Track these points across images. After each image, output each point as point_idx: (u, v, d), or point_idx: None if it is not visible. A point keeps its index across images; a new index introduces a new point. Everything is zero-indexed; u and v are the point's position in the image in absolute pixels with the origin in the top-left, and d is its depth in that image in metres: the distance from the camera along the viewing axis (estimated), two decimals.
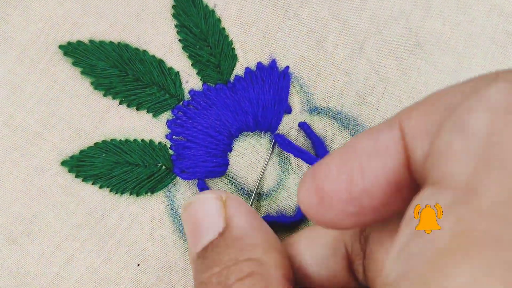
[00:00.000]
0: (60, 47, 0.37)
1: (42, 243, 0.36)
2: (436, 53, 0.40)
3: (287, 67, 0.39)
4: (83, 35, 0.38)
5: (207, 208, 0.30)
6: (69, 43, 0.37)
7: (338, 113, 0.39)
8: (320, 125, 0.39)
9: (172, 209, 0.37)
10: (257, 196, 0.38)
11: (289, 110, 0.38)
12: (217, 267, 0.28)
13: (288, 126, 0.39)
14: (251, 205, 0.37)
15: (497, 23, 0.40)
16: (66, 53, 0.37)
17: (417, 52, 0.40)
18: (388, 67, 0.40)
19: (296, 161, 0.38)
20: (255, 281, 0.27)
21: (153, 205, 0.37)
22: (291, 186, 0.38)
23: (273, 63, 0.39)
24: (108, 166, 0.36)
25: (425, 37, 0.40)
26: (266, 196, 0.38)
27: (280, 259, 0.29)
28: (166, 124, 0.37)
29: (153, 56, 0.38)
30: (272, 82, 0.38)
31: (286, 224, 0.37)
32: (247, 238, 0.29)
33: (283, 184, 0.38)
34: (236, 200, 0.31)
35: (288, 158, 0.38)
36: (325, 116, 0.39)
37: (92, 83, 0.37)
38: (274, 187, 0.38)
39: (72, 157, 0.36)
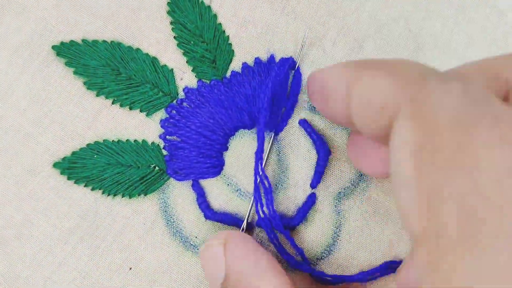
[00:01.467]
0: (53, 47, 0.37)
1: (33, 247, 0.35)
2: (436, 55, 0.39)
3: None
4: (77, 35, 0.37)
5: (212, 255, 0.31)
6: (62, 43, 0.37)
7: None
8: (320, 123, 0.37)
9: (165, 211, 0.36)
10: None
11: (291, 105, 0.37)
12: None
13: (288, 123, 0.37)
14: (248, 216, 0.35)
15: (497, 25, 0.39)
16: (59, 54, 0.36)
17: (418, 53, 0.38)
18: None
19: (294, 162, 0.37)
20: None
21: (146, 207, 0.36)
22: (290, 187, 0.36)
23: (272, 58, 0.37)
24: (100, 168, 0.35)
25: (425, 38, 0.39)
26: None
27: None
28: (160, 123, 0.36)
29: (146, 54, 0.37)
30: (270, 76, 0.37)
31: (284, 226, 0.36)
32: (247, 283, 0.29)
33: (281, 185, 0.37)
34: (235, 241, 0.31)
35: (286, 159, 0.37)
36: None
37: (84, 83, 0.36)
38: (272, 188, 0.36)
39: (64, 158, 0.35)
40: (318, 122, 0.37)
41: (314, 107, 0.37)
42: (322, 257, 0.36)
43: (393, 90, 0.24)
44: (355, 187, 0.37)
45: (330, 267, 0.36)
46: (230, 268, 0.30)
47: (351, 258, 0.36)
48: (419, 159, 0.21)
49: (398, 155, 0.22)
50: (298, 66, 0.37)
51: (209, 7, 0.38)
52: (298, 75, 0.37)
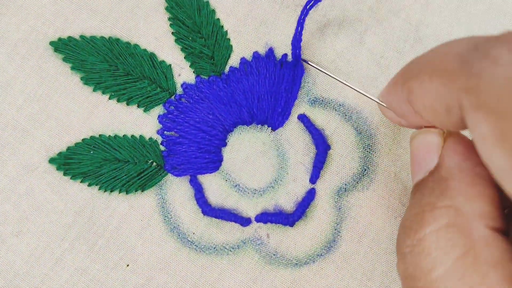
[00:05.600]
0: (51, 43, 0.36)
1: (31, 244, 0.35)
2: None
3: (285, 54, 0.37)
4: (75, 31, 0.37)
5: (427, 142, 0.29)
6: (59, 39, 0.36)
7: (340, 105, 0.37)
8: (321, 117, 0.37)
9: (163, 207, 0.35)
10: (253, 192, 0.36)
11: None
12: (415, 209, 0.27)
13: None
14: None
15: (496, 20, 0.39)
16: (56, 49, 0.36)
17: (418, 47, 0.38)
18: (389, 60, 0.38)
19: (294, 157, 0.36)
20: (450, 235, 0.25)
21: (143, 203, 0.35)
22: (289, 183, 0.36)
23: (270, 51, 0.37)
24: (96, 164, 0.35)
25: (425, 32, 0.38)
26: (263, 193, 0.36)
27: (486, 208, 0.26)
28: (158, 119, 0.36)
29: (144, 50, 0.37)
30: (269, 72, 0.37)
31: (284, 222, 0.35)
32: (452, 181, 0.27)
33: (280, 180, 0.36)
34: (455, 139, 0.29)
35: (285, 154, 0.36)
36: (326, 108, 0.37)
37: (81, 79, 0.36)
38: (271, 183, 0.36)
39: (59, 154, 0.35)
40: (318, 117, 0.37)
41: (314, 102, 0.37)
42: (322, 254, 0.35)
43: (445, 89, 0.24)
44: (357, 182, 0.36)
45: (330, 264, 0.35)
46: (444, 159, 0.28)
47: (351, 255, 0.35)
48: (507, 148, 0.21)
49: (485, 151, 0.23)
50: (300, 61, 0.37)
51: (207, 2, 0.38)
52: (300, 69, 0.36)
